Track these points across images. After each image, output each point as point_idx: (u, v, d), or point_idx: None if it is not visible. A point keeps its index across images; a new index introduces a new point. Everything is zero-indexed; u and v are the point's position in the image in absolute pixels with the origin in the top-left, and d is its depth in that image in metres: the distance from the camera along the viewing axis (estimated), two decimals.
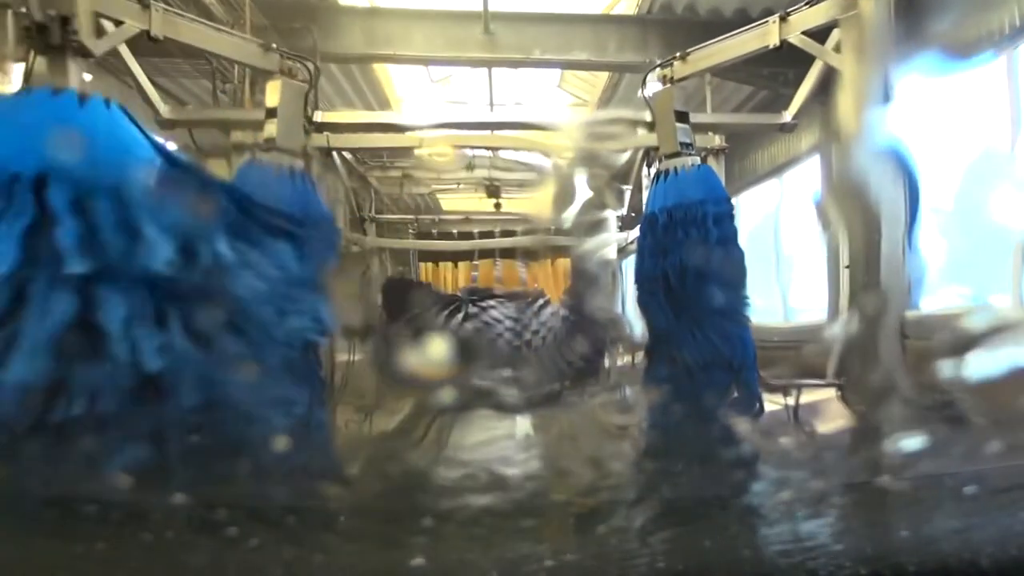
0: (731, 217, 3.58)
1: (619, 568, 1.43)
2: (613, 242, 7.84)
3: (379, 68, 9.34)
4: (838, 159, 3.53)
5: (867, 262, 3.25)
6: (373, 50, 7.41)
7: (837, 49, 3.48)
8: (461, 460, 5.12)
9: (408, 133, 4.94)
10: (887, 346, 3.12)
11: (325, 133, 4.65)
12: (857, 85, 3.24)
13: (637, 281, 3.91)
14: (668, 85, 3.72)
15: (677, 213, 3.53)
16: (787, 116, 4.64)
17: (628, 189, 7.28)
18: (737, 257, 3.56)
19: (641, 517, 2.42)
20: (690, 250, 3.41)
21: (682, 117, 3.65)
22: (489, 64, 8.19)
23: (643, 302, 3.77)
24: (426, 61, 8.14)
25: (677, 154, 3.63)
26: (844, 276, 3.62)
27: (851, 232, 3.45)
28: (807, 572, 1.24)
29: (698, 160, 3.68)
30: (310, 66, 3.67)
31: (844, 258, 7.33)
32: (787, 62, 7.08)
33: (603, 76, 9.77)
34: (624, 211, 7.57)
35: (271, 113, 3.44)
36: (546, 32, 7.66)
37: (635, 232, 7.65)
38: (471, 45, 7.58)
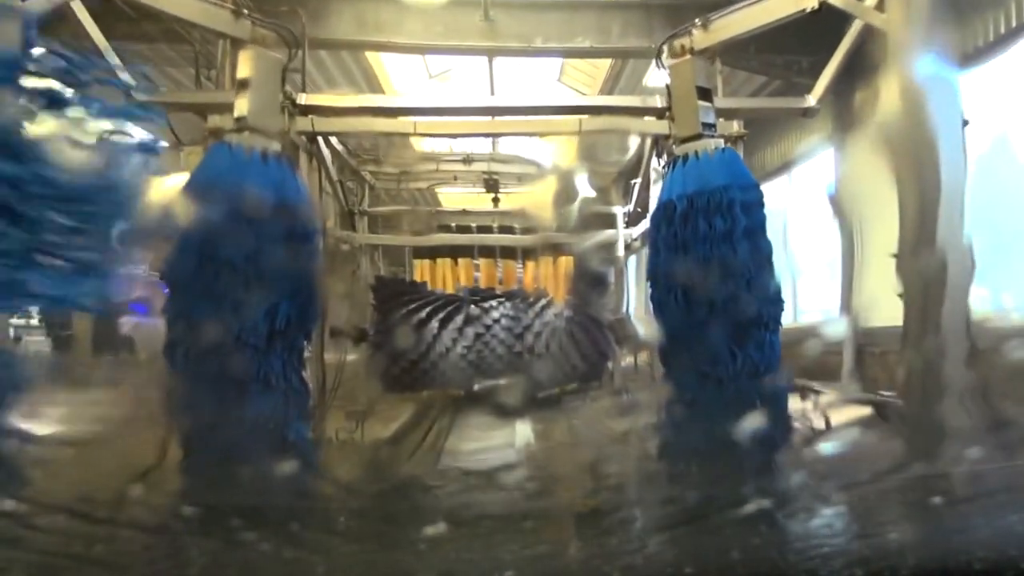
0: (760, 205, 3.17)
1: None
2: (619, 239, 7.49)
3: (374, 62, 8.97)
4: (881, 133, 3.13)
5: (920, 244, 2.85)
6: (365, 37, 7.04)
7: (880, 9, 3.09)
8: (456, 471, 4.77)
9: (402, 118, 4.57)
10: (950, 341, 2.72)
11: (310, 117, 4.27)
12: (904, 46, 2.85)
13: (651, 278, 3.51)
14: (687, 57, 3.30)
15: (699, 201, 3.12)
16: (811, 100, 4.28)
17: (636, 183, 6.92)
18: (767, 251, 3.16)
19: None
20: (716, 242, 3.00)
21: (704, 94, 3.24)
22: (489, 53, 7.81)
23: (659, 301, 3.36)
24: (422, 49, 7.75)
25: (698, 136, 3.22)
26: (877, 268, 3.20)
27: (903, 213, 3.04)
28: None
29: (721, 142, 3.27)
30: (289, 36, 3.29)
31: (860, 249, 7.03)
32: (803, 48, 6.79)
33: (604, 69, 9.42)
34: (631, 207, 7.21)
35: (243, 86, 3.04)
36: (548, 19, 7.30)
37: (639, 228, 7.37)
38: (470, 33, 7.22)
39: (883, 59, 2.99)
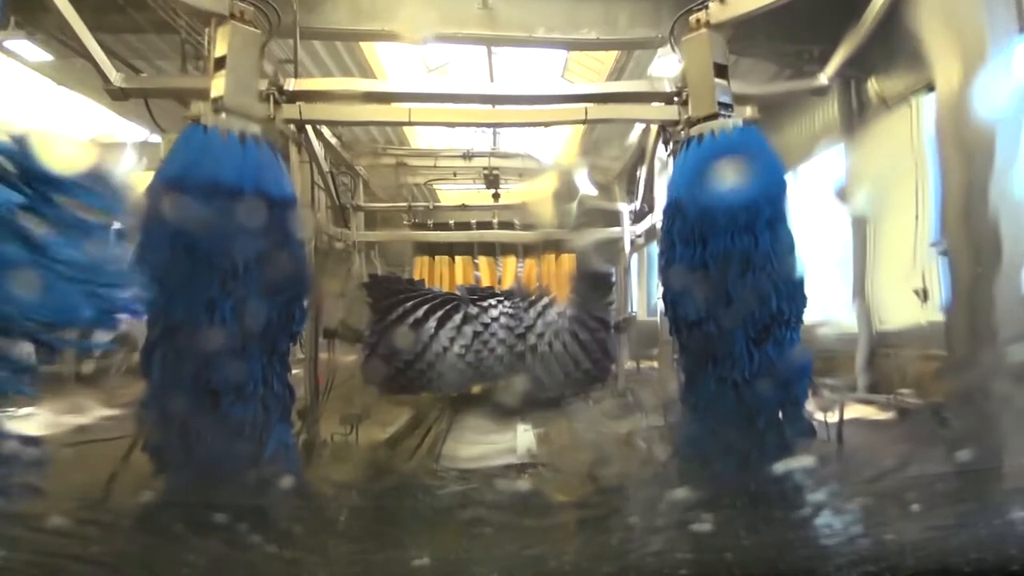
0: (784, 195, 2.92)
1: None
2: (623, 236, 7.24)
3: (369, 55, 8.71)
4: (945, 105, 2.86)
5: (970, 214, 2.59)
6: (359, 26, 6.76)
7: None
8: (451, 478, 4.54)
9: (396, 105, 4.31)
10: (1003, 319, 2.46)
11: (298, 104, 4.01)
12: (948, 10, 2.59)
13: (663, 275, 3.26)
14: (703, 31, 3.04)
15: None
16: (823, 79, 4.04)
17: (641, 177, 6.66)
18: (790, 244, 2.90)
19: None
20: (738, 236, 2.74)
21: (721, 71, 2.98)
22: (488, 43, 7.53)
23: (672, 300, 3.11)
24: (418, 39, 7.49)
25: (714, 115, 2.96)
26: (927, 257, 2.94)
27: (949, 184, 2.78)
28: None
29: (739, 122, 3.00)
30: (271, 12, 3.03)
31: (872, 247, 6.79)
32: (814, 38, 6.54)
33: (608, 63, 9.18)
34: (637, 203, 6.96)
35: (220, 65, 2.79)
36: (550, 7, 7.02)
37: (643, 225, 7.11)
38: (468, 21, 6.94)
39: (919, 27, 2.73)
